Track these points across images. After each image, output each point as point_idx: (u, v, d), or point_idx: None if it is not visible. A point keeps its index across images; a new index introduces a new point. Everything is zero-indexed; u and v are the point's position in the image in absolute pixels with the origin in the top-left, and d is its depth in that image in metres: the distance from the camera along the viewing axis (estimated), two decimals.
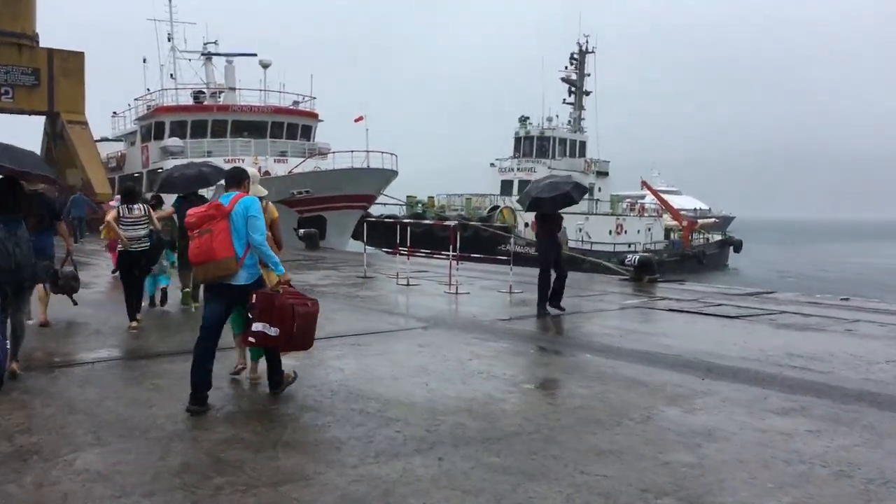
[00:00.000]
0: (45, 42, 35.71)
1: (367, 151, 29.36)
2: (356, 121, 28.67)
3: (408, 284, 14.76)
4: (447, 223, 23.10)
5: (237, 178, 6.15)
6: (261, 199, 6.54)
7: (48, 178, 7.27)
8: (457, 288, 13.80)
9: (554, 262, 11.41)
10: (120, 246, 9.72)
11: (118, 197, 13.93)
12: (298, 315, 5.90)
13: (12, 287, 6.44)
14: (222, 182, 7.66)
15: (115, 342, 8.79)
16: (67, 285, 9.32)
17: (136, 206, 9.77)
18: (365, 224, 18.37)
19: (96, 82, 38.50)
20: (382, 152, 30.25)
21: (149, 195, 12.87)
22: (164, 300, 11.35)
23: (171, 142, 33.94)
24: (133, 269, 9.59)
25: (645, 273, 16.19)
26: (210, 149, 34.40)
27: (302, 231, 25.28)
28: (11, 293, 6.50)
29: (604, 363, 7.89)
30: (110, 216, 9.77)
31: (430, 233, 36.44)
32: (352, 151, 29.42)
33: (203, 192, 11.43)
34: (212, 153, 34.22)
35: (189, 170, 11.76)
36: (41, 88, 34.60)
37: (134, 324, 9.35)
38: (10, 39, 33.77)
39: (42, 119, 36.63)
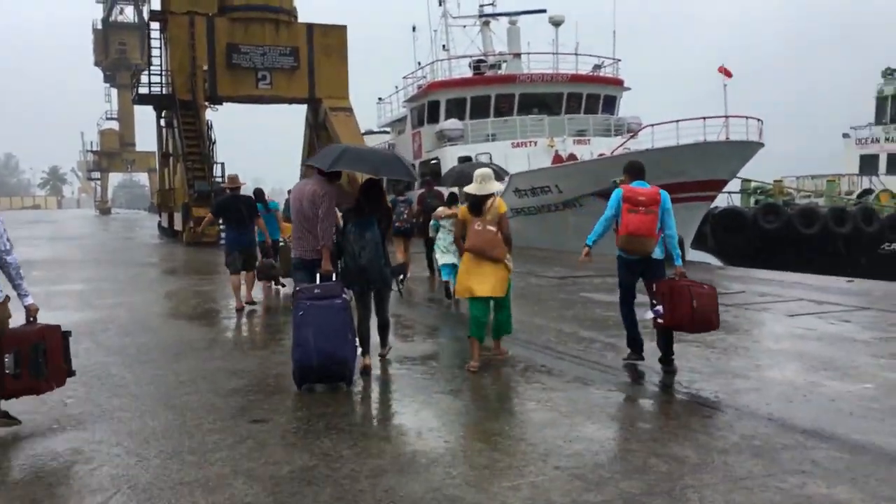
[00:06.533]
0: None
1: (727, 117, 20.06)
2: (724, 73, 19.50)
3: None
4: None
5: (643, 170, 6.89)
6: (496, 194, 7.00)
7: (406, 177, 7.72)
8: None
9: None
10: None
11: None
12: (696, 296, 6.39)
13: (360, 288, 6.76)
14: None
15: None
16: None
17: None
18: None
19: (359, 71, 32.94)
20: (747, 117, 20.72)
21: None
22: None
23: (449, 124, 27.09)
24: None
25: None
26: (494, 131, 27.18)
27: None
28: (366, 293, 6.88)
29: None
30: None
31: (788, 233, 26.74)
32: (703, 118, 20.23)
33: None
34: (496, 136, 27.00)
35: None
36: (301, 71, 29.28)
37: None
38: (266, 15, 28.70)
39: (303, 107, 31.44)
